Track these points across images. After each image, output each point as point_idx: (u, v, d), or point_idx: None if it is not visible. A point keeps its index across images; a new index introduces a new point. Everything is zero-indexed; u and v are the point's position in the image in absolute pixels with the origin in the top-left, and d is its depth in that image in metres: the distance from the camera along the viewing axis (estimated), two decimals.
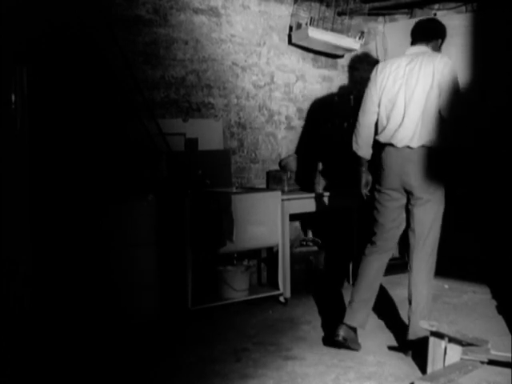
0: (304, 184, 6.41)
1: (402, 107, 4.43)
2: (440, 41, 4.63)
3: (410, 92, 4.40)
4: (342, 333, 4.57)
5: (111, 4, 5.50)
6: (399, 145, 4.43)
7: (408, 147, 4.40)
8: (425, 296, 4.46)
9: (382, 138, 4.53)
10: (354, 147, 4.68)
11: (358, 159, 4.73)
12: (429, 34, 4.62)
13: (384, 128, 4.51)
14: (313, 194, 6.21)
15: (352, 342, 4.58)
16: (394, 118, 4.45)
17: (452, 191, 4.54)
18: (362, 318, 4.62)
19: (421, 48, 4.57)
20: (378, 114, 4.56)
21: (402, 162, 4.43)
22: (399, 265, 6.67)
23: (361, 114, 4.63)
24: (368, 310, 4.66)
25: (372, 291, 4.64)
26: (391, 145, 4.48)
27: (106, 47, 5.38)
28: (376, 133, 4.60)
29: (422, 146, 4.37)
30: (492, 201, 6.36)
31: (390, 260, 4.76)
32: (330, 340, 4.67)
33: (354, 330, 4.62)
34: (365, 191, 4.76)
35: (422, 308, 4.44)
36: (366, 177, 4.75)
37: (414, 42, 4.65)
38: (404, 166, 4.43)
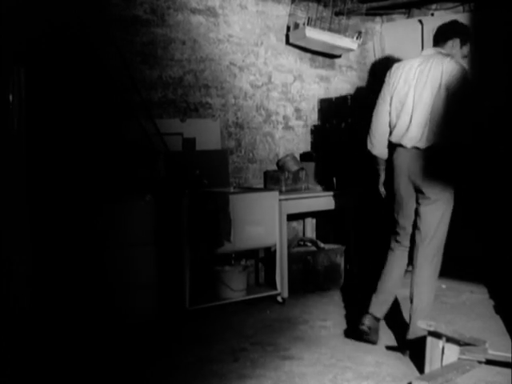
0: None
1: (410, 108, 4.45)
2: (458, 41, 4.57)
3: (419, 93, 4.42)
4: (367, 322, 4.63)
5: (109, 4, 5.50)
6: (408, 145, 4.46)
7: (416, 148, 4.43)
8: (427, 296, 4.48)
9: (393, 139, 4.56)
10: (369, 146, 4.73)
11: (374, 158, 4.77)
12: (442, 36, 4.61)
13: (394, 129, 4.55)
14: (310, 194, 6.27)
15: (374, 332, 4.64)
16: (403, 119, 4.49)
17: (458, 190, 4.55)
18: (385, 309, 4.70)
19: (435, 50, 4.57)
20: (390, 115, 4.59)
21: (410, 162, 4.46)
22: None
23: (374, 113, 4.68)
24: (390, 303, 4.71)
25: (398, 285, 4.71)
26: (401, 145, 4.51)
27: (104, 47, 5.38)
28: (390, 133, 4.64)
29: (430, 147, 4.38)
30: (488, 200, 6.36)
31: None
32: (354, 330, 4.72)
33: (378, 320, 4.67)
34: (383, 190, 4.81)
35: (423, 308, 4.45)
36: (385, 176, 4.80)
37: (433, 45, 4.67)
38: (412, 166, 4.46)
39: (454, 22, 4.73)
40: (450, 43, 4.57)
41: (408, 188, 4.53)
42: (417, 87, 4.44)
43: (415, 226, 4.55)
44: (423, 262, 4.48)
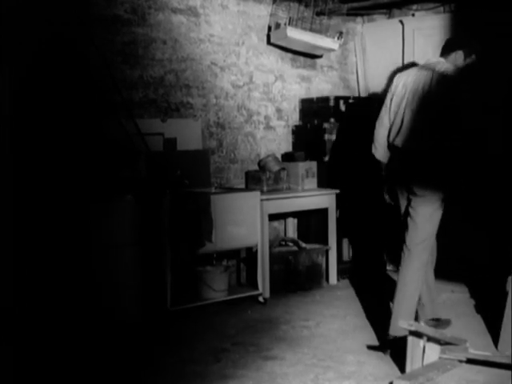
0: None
1: (403, 111, 4.58)
2: (461, 53, 4.66)
3: (411, 98, 4.55)
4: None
5: (89, 3, 5.47)
6: (400, 147, 4.57)
7: (407, 149, 4.53)
8: (412, 295, 4.51)
9: (390, 141, 4.67)
10: (373, 150, 4.82)
11: (378, 164, 4.85)
12: (447, 48, 4.73)
13: (390, 131, 4.66)
14: (291, 194, 6.32)
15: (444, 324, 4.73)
16: (397, 122, 4.61)
17: (456, 192, 4.60)
18: (429, 310, 4.75)
19: (435, 59, 4.71)
20: (390, 119, 4.68)
21: (403, 163, 4.57)
22: None
23: (378, 119, 4.77)
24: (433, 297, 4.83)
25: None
26: (395, 147, 4.60)
27: (85, 46, 5.35)
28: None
29: (420, 148, 4.48)
30: (481, 200, 6.34)
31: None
32: None
33: (438, 319, 4.74)
34: (387, 196, 4.87)
35: (406, 306, 4.49)
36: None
37: (439, 56, 4.79)
38: (404, 166, 4.56)
39: (460, 36, 4.99)
40: (453, 55, 4.68)
41: (402, 189, 4.63)
42: (410, 92, 4.57)
43: (405, 226, 4.59)
44: (410, 262, 4.52)
